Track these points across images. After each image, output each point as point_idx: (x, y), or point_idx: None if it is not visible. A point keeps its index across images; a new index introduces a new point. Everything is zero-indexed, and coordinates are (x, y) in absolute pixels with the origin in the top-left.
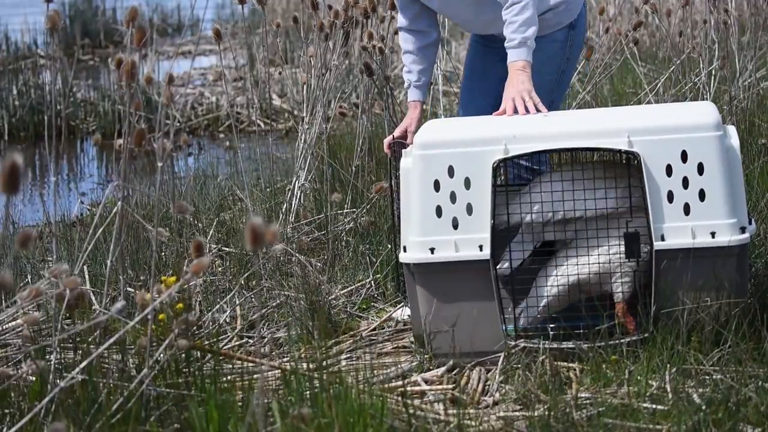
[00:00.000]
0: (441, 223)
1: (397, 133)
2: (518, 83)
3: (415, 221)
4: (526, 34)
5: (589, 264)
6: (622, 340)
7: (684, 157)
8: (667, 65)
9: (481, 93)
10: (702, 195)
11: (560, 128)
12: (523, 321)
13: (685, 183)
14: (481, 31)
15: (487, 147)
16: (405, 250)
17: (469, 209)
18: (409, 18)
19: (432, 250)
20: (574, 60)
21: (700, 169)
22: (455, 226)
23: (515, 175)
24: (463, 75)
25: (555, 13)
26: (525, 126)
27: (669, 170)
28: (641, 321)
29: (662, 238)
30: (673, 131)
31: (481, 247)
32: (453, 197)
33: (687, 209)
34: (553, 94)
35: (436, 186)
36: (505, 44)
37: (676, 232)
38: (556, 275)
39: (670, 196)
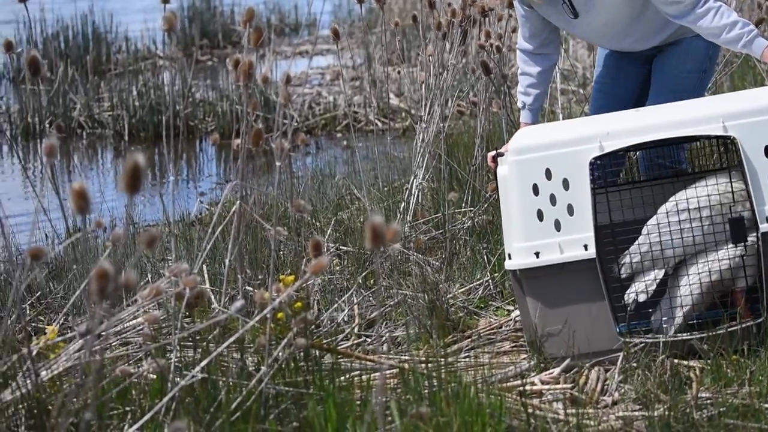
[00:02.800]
0: (543, 226)
1: (503, 149)
2: None
3: (517, 227)
4: (751, 26)
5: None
6: (737, 326)
7: None
8: None
9: (615, 97)
10: None
11: (653, 120)
12: (668, 326)
13: None
14: (622, 49)
15: (582, 146)
16: (510, 257)
17: (570, 210)
18: (538, 43)
19: (537, 254)
20: (715, 61)
21: None
22: (558, 228)
23: (656, 174)
24: (595, 77)
25: None
26: (617, 122)
27: None
28: (759, 308)
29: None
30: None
31: (586, 247)
32: (553, 199)
33: None
34: (694, 93)
35: (535, 190)
36: (747, 38)
37: None
38: (692, 281)
39: None
